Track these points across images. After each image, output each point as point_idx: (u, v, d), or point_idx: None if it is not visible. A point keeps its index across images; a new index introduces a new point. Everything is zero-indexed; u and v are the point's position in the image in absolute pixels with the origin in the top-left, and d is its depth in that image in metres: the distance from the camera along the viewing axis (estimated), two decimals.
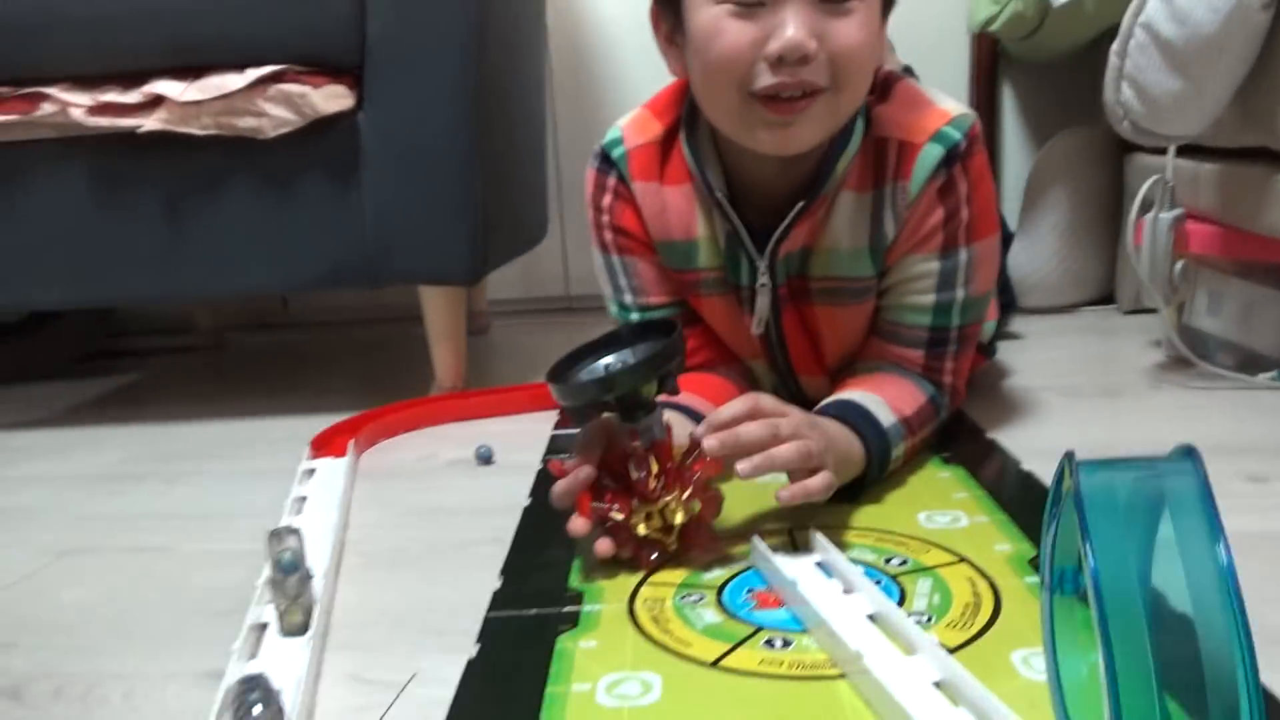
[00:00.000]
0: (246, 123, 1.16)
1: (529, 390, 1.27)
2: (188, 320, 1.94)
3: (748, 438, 0.72)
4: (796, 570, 0.70)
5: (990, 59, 1.76)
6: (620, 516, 0.75)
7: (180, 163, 1.20)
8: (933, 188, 0.88)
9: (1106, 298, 1.68)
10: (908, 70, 1.28)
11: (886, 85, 0.93)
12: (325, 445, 1.09)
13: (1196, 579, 0.38)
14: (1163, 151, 1.20)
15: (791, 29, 0.78)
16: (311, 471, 1.02)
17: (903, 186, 0.89)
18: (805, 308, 0.97)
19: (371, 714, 0.59)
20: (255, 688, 0.56)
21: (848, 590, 0.68)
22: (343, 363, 1.73)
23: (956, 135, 0.88)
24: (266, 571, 0.70)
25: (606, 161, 0.98)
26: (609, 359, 0.80)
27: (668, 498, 0.74)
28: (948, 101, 0.92)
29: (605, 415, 0.78)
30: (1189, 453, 0.40)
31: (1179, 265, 1.19)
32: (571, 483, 0.76)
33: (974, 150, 0.89)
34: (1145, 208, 1.20)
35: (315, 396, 1.38)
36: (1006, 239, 1.60)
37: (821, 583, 0.69)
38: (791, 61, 0.79)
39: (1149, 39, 1.05)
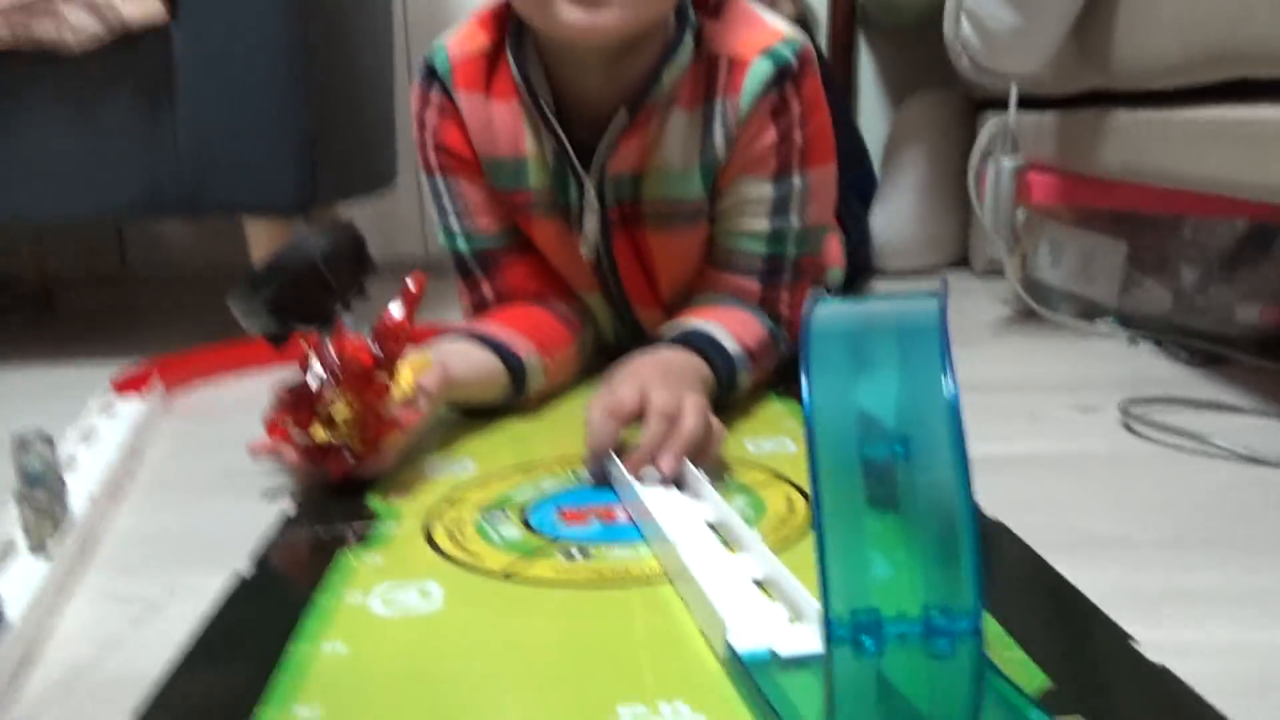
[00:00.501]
0: (45, 29, 1.07)
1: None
2: (12, 279, 1.80)
3: (652, 439, 0.68)
4: (642, 481, 0.67)
5: (847, 22, 1.76)
6: (294, 425, 0.70)
7: None
8: (764, 106, 0.86)
9: (963, 261, 1.70)
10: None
11: (719, 2, 0.90)
12: (131, 385, 1.00)
13: (922, 410, 0.35)
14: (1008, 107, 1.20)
15: None
16: (109, 407, 0.94)
17: (732, 102, 0.87)
18: (638, 234, 0.94)
19: (119, 628, 0.53)
20: None
21: (696, 499, 0.64)
22: (179, 317, 1.62)
23: (788, 54, 0.86)
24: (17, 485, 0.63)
25: (431, 74, 0.93)
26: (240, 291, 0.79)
27: (333, 399, 0.70)
28: (780, 23, 0.90)
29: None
30: (939, 288, 0.38)
31: (1021, 214, 1.19)
32: (265, 413, 0.73)
33: (806, 72, 0.88)
34: (988, 156, 1.20)
35: (143, 346, 1.28)
36: (871, 195, 1.59)
37: (666, 490, 0.66)
38: None
39: None
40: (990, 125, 1.19)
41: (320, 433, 0.70)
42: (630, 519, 0.65)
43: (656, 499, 0.64)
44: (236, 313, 0.77)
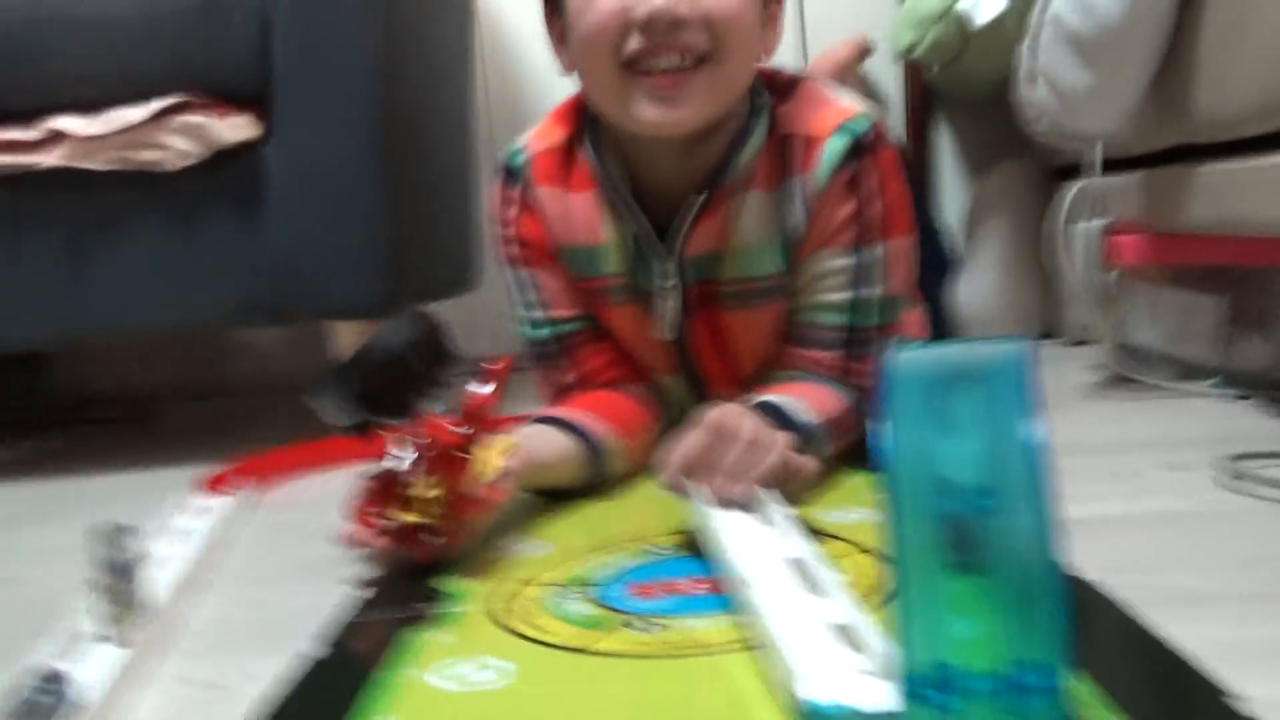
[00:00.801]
0: (148, 156, 1.13)
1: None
2: (119, 391, 1.88)
3: (735, 464, 0.72)
4: (730, 519, 0.66)
5: (921, 100, 1.76)
6: (375, 511, 0.70)
7: (82, 199, 1.16)
8: (841, 179, 0.87)
9: (1050, 334, 1.65)
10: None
11: (790, 85, 0.92)
12: (214, 485, 1.02)
13: (1005, 457, 0.33)
14: (1089, 175, 1.18)
15: None
16: (191, 505, 0.96)
17: (808, 178, 0.88)
18: (715, 314, 0.94)
19: (189, 713, 0.53)
20: (47, 678, 0.50)
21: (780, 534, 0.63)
22: (275, 422, 1.66)
23: (861, 128, 0.87)
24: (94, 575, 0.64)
25: (510, 174, 0.96)
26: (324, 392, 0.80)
27: (420, 480, 0.70)
28: (851, 100, 0.91)
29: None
30: (1018, 337, 0.36)
31: (1112, 276, 1.16)
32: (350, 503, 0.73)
33: (880, 144, 0.88)
34: (1073, 222, 1.17)
35: (240, 450, 1.32)
36: (945, 269, 1.57)
37: (747, 521, 0.64)
38: (661, 28, 0.78)
39: (1057, 33, 1.03)
40: (1074, 189, 1.17)
41: (406, 515, 0.70)
42: (711, 589, 0.63)
43: (735, 529, 0.62)
44: (319, 406, 0.78)
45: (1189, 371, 1.15)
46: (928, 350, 0.38)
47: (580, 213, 0.94)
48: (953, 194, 1.81)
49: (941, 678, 0.32)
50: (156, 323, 1.21)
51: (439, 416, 0.72)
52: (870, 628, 0.48)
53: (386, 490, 0.71)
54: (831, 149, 0.87)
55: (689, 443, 0.73)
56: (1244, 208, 0.93)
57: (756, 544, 0.61)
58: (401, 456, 0.71)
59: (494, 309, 1.88)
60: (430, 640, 0.59)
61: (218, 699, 0.55)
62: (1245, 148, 0.94)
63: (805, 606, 0.52)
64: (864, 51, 1.68)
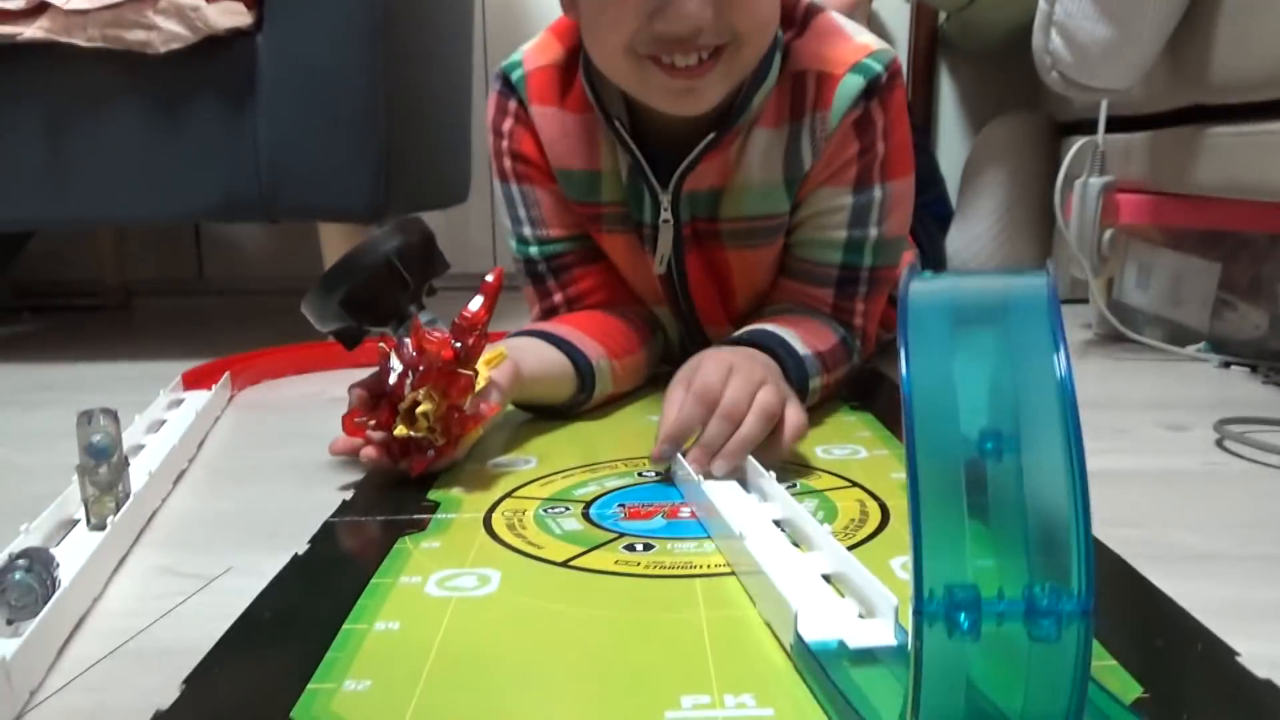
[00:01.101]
0: (135, 35, 1.09)
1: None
2: (94, 283, 1.84)
3: (710, 440, 0.67)
4: (713, 483, 0.65)
5: (929, 45, 1.73)
6: (373, 423, 0.69)
7: (63, 76, 1.12)
8: (850, 119, 0.84)
9: None
10: None
11: (805, 18, 0.88)
12: (200, 379, 1.01)
13: (1030, 390, 0.32)
14: (1095, 130, 1.16)
15: (682, 2, 0.73)
16: (179, 402, 0.94)
17: (822, 116, 0.85)
18: (713, 251, 0.92)
19: (170, 600, 0.52)
20: (26, 557, 0.48)
21: (763, 500, 0.62)
22: (252, 323, 1.64)
23: (878, 67, 0.84)
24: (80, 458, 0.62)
25: (507, 84, 0.92)
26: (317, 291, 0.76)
27: (417, 393, 0.68)
28: (867, 35, 0.88)
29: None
30: (1042, 267, 0.35)
31: (1108, 234, 1.15)
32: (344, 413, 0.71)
33: (894, 85, 0.85)
34: (1075, 177, 1.16)
35: (216, 348, 1.29)
36: (945, 218, 1.56)
37: (733, 489, 0.64)
38: (681, 37, 0.74)
39: None
40: (1077, 145, 1.16)
41: (401, 428, 0.69)
42: (695, 516, 0.63)
43: (722, 496, 0.61)
44: (310, 314, 0.76)
45: (1179, 334, 1.15)
46: (946, 278, 0.37)
47: (576, 136, 0.90)
48: (952, 143, 1.80)
49: (958, 598, 0.31)
50: (139, 212, 1.18)
51: (432, 329, 0.71)
52: (863, 572, 0.47)
53: (379, 400, 0.70)
54: (846, 88, 0.84)
55: (677, 415, 0.69)
56: (1251, 172, 0.93)
57: (743, 508, 0.60)
58: (394, 368, 0.70)
59: (482, 222, 1.88)
60: (420, 546, 0.58)
61: (202, 590, 0.54)
62: (1257, 112, 0.93)
63: (797, 559, 0.52)
64: None
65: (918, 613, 0.32)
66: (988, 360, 0.34)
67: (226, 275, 1.95)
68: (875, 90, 0.84)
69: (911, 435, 0.34)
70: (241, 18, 1.11)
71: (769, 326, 0.84)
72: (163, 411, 0.90)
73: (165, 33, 1.09)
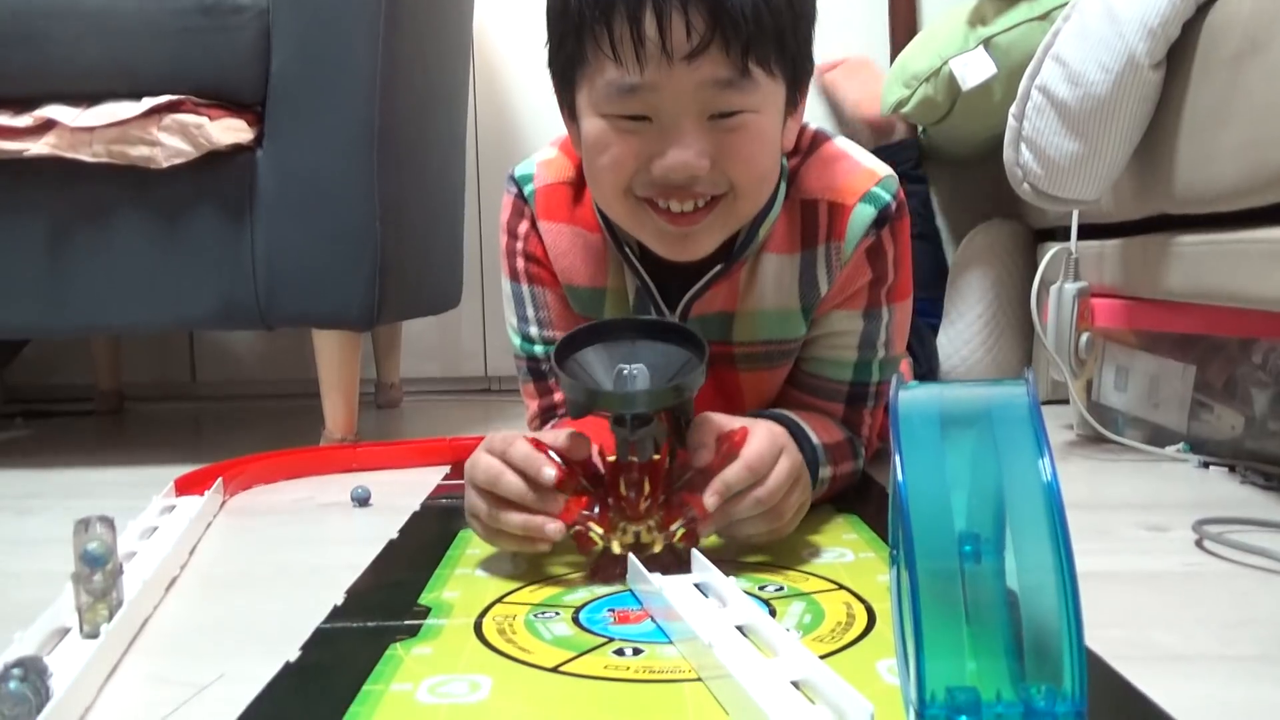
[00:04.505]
0: (139, 151, 1.13)
1: (419, 444, 1.22)
2: (89, 388, 1.86)
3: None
4: (671, 585, 0.65)
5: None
6: (600, 531, 0.71)
7: (68, 190, 1.16)
8: (863, 247, 0.86)
9: None
10: None
11: (812, 145, 0.89)
12: (193, 485, 1.02)
13: (1019, 494, 0.34)
14: (1069, 236, 1.21)
15: (677, 152, 0.74)
16: (172, 508, 0.95)
17: (837, 246, 0.86)
18: (724, 372, 0.92)
19: (162, 710, 0.53)
20: (20, 666, 0.49)
21: (723, 606, 0.63)
22: (244, 427, 1.65)
23: (886, 197, 0.86)
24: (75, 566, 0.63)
25: (520, 191, 0.94)
26: (631, 361, 0.74)
27: (650, 521, 0.71)
28: (871, 160, 0.89)
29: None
30: (1023, 376, 0.37)
31: (1084, 337, 1.18)
32: (562, 442, 0.71)
33: (901, 213, 0.87)
34: (1050, 282, 1.20)
35: (208, 452, 1.30)
36: (936, 325, 1.60)
37: (695, 598, 0.64)
38: (677, 184, 0.76)
39: (1045, 101, 1.06)
40: (1052, 252, 1.20)
41: (617, 544, 0.71)
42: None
43: (682, 601, 0.62)
44: (565, 386, 0.73)
45: (1158, 435, 1.17)
46: (932, 388, 0.39)
47: (584, 253, 0.91)
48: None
49: (959, 702, 0.32)
50: (137, 321, 1.20)
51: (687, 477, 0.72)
52: (833, 677, 0.48)
53: (605, 507, 0.71)
54: (858, 218, 0.85)
55: (733, 475, 0.70)
56: (1218, 279, 0.96)
57: (704, 614, 0.61)
58: (638, 491, 0.71)
59: (473, 325, 1.90)
60: (411, 652, 0.59)
61: (194, 699, 0.54)
62: (1223, 221, 0.97)
63: (765, 665, 0.52)
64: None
65: (920, 716, 0.33)
66: (978, 463, 0.36)
67: (220, 380, 1.97)
68: (885, 219, 0.86)
69: (910, 538, 0.35)
70: (243, 134, 1.15)
71: (785, 414, 0.85)
72: (156, 518, 0.90)
73: (168, 149, 1.13)
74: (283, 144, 1.17)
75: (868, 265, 0.87)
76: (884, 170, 0.88)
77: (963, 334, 1.62)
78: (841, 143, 0.91)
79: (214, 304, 1.17)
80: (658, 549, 0.71)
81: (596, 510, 0.71)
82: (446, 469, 1.17)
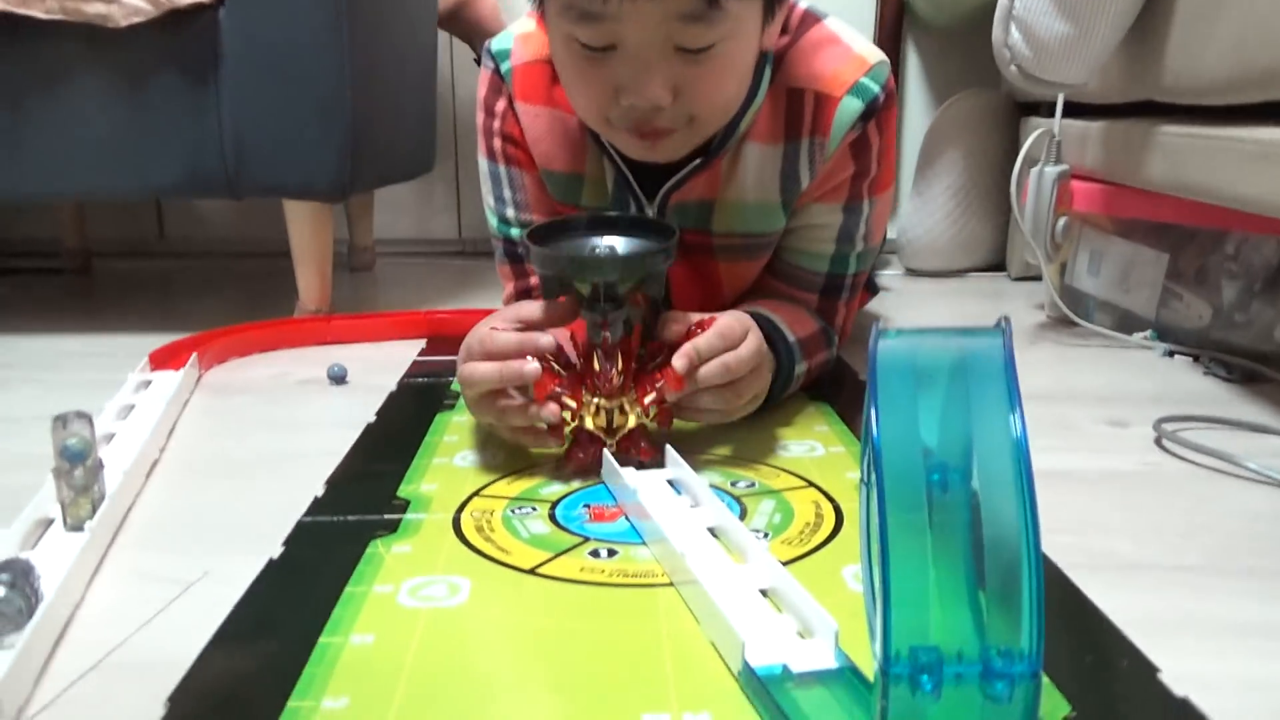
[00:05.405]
0: (94, 9, 1.08)
1: (394, 317, 1.21)
2: (54, 243, 1.82)
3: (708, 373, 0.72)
4: (643, 483, 0.67)
5: (896, 16, 1.74)
6: (574, 405, 0.71)
7: (22, 50, 1.11)
8: (848, 141, 0.84)
9: (998, 264, 1.69)
10: None
11: (801, 24, 0.86)
12: (167, 359, 1.01)
13: (987, 447, 0.35)
14: (1053, 112, 1.19)
15: (641, 85, 0.72)
16: (147, 384, 0.95)
17: (821, 141, 0.84)
18: (703, 261, 0.92)
19: (149, 608, 0.54)
20: (8, 570, 0.50)
21: (694, 505, 0.65)
22: (214, 291, 1.64)
23: (875, 88, 0.83)
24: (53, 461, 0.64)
25: (498, 64, 0.90)
26: (602, 240, 0.74)
27: (624, 397, 0.72)
28: (862, 44, 0.86)
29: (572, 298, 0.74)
30: (998, 324, 0.37)
31: (1061, 221, 1.18)
32: (525, 342, 0.71)
33: (890, 103, 0.85)
34: (1032, 163, 1.19)
35: (179, 319, 1.29)
36: None
37: (668, 496, 0.66)
38: (641, 115, 0.75)
39: None
40: (1035, 134, 1.18)
41: (591, 420, 0.72)
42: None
43: (655, 500, 0.64)
44: (544, 254, 0.72)
45: (1127, 321, 1.19)
46: (911, 337, 0.39)
47: (562, 137, 0.89)
48: (915, 117, 1.82)
49: (922, 661, 0.34)
50: (99, 188, 1.17)
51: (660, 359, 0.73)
52: (799, 590, 0.50)
53: (577, 384, 0.72)
54: (845, 112, 0.83)
55: (705, 342, 0.71)
56: (1198, 174, 0.95)
57: (676, 515, 0.62)
58: (613, 366, 0.72)
59: (447, 190, 1.87)
60: (391, 550, 0.60)
61: (179, 597, 0.55)
62: (1208, 114, 0.96)
63: (734, 574, 0.55)
64: None
65: (884, 673, 0.35)
66: (951, 417, 0.37)
67: (188, 237, 1.94)
68: (873, 112, 0.84)
69: (883, 491, 0.36)
70: None
71: (760, 310, 0.85)
72: (131, 394, 0.90)
73: (126, 6, 1.08)
74: (247, 3, 1.11)
75: (851, 159, 0.86)
76: (875, 56, 0.85)
77: (928, 205, 1.61)
78: (832, 24, 0.88)
79: (179, 172, 1.14)
80: (631, 423, 0.72)
81: (561, 384, 0.72)
82: (422, 343, 1.17)
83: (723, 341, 0.72)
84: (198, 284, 1.70)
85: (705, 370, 0.71)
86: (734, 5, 0.71)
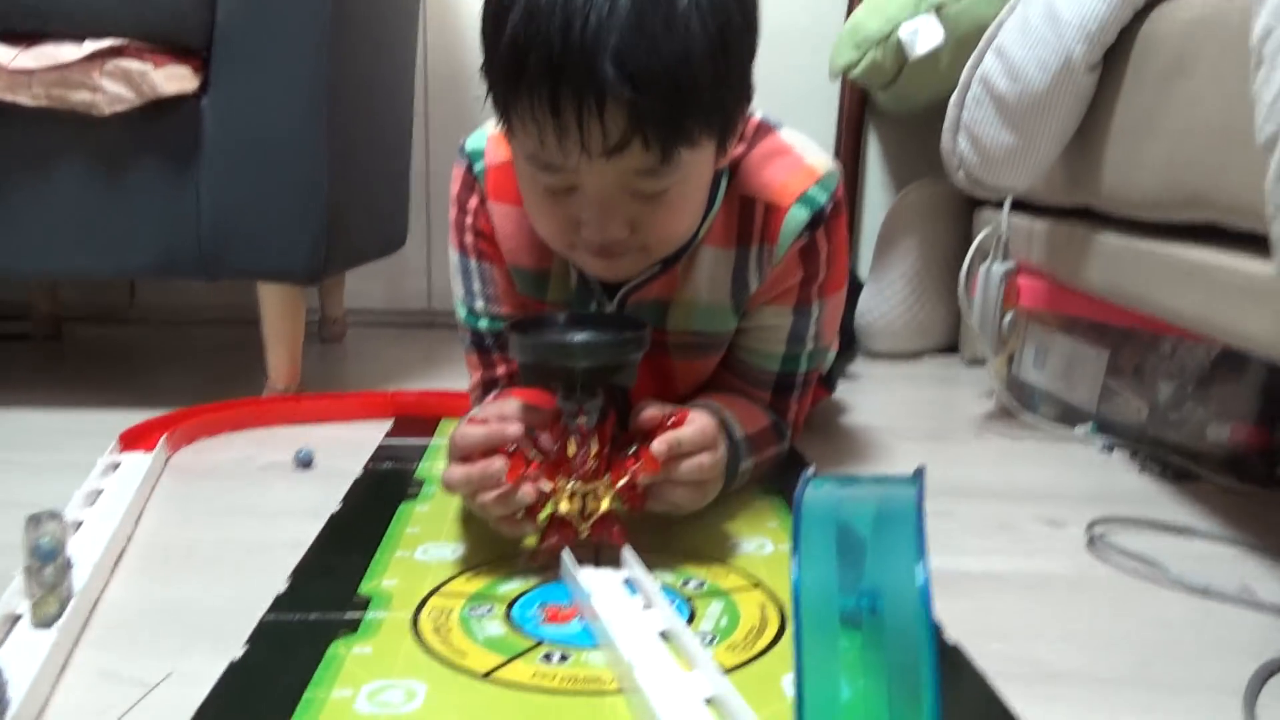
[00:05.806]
0: (80, 97, 1.11)
1: (361, 398, 1.24)
2: (24, 307, 1.84)
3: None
4: (599, 584, 0.70)
5: (858, 107, 1.81)
6: (549, 488, 0.74)
7: (6, 133, 1.14)
8: (795, 248, 0.89)
9: (952, 346, 1.74)
10: None
11: (755, 134, 0.91)
12: (137, 440, 1.04)
13: (895, 591, 0.39)
14: (1003, 204, 1.25)
15: (599, 225, 0.77)
16: (116, 466, 0.97)
17: (769, 247, 0.89)
18: (659, 358, 0.95)
19: (114, 713, 0.56)
20: None
21: (647, 606, 0.68)
22: (184, 362, 1.66)
23: (822, 198, 0.88)
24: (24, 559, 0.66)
25: (470, 166, 0.94)
26: (579, 335, 0.78)
27: (598, 482, 0.74)
28: (814, 154, 0.91)
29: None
30: (916, 474, 0.41)
31: (1008, 316, 1.23)
32: (494, 434, 0.73)
33: (837, 212, 0.90)
34: (981, 258, 1.24)
35: (148, 393, 1.31)
36: (857, 286, 1.64)
37: (623, 598, 0.69)
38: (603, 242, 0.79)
39: (985, 92, 1.09)
40: (984, 232, 1.24)
41: (565, 504, 0.74)
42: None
43: (608, 602, 0.67)
44: (525, 344, 0.75)
45: (1070, 413, 1.23)
46: (833, 484, 0.43)
47: (529, 234, 0.90)
48: (877, 202, 1.87)
49: None
50: (75, 268, 1.20)
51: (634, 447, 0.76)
52: (739, 701, 0.54)
53: (553, 471, 0.74)
54: (792, 221, 0.87)
55: (688, 435, 0.75)
56: (1134, 285, 1.00)
57: (628, 618, 0.65)
58: (587, 450, 0.74)
59: (418, 264, 1.91)
60: (352, 652, 0.63)
61: (142, 700, 0.58)
62: (1143, 228, 1.01)
63: (680, 681, 0.58)
64: None
65: None
66: (867, 557, 0.41)
67: (159, 305, 1.95)
68: (820, 220, 0.88)
69: (799, 628, 0.40)
70: (187, 83, 1.13)
71: (713, 403, 0.88)
72: (99, 479, 0.92)
73: (110, 95, 1.11)
74: (228, 93, 1.15)
75: (800, 264, 0.90)
76: (824, 166, 0.90)
77: (885, 291, 1.67)
78: (786, 135, 0.92)
79: (156, 254, 1.17)
80: (605, 507, 0.75)
81: (535, 469, 0.74)
82: (389, 423, 1.20)
83: (702, 440, 0.76)
84: (169, 353, 1.71)
85: (685, 466, 0.75)
86: (687, 154, 0.74)
